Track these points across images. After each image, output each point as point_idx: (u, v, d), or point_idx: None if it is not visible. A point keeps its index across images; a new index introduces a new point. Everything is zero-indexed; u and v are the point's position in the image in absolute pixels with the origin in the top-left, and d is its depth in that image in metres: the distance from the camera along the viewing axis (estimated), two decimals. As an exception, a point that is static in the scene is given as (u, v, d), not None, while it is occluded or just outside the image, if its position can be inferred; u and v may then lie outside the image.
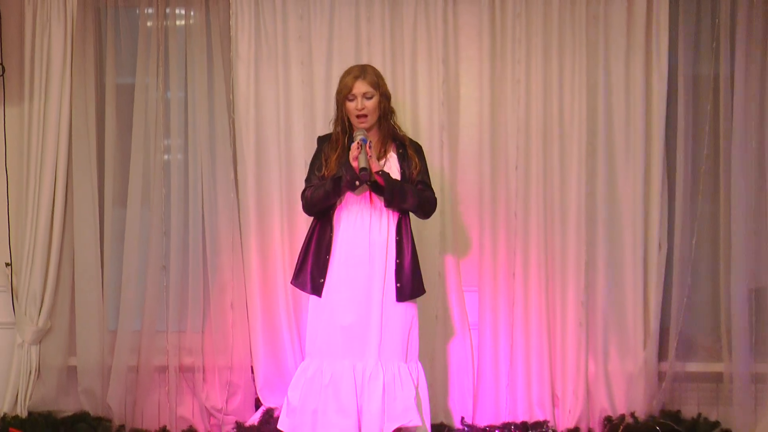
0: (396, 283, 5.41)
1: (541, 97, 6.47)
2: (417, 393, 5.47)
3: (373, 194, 5.45)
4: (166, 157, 6.58)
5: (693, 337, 6.54)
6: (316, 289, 5.46)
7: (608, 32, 6.46)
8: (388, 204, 5.35)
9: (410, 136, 6.21)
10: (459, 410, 6.47)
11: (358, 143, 5.31)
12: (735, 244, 6.37)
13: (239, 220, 6.52)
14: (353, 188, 5.36)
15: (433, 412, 6.29)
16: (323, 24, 6.50)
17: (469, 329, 6.49)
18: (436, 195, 6.10)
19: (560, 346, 6.51)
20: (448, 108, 6.47)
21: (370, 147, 5.35)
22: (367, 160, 5.29)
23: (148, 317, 6.51)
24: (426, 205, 5.51)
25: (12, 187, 6.55)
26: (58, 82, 6.44)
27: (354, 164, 5.28)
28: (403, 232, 5.48)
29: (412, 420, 5.36)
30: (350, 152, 5.35)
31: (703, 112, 6.47)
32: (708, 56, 6.46)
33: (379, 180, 5.29)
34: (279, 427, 5.59)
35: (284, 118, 6.38)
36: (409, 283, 5.44)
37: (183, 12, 6.57)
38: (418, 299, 6.12)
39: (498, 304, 6.50)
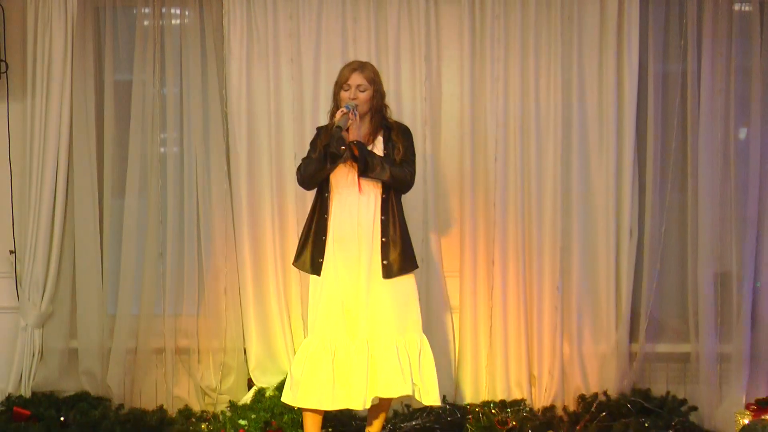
0: (383, 261, 5.42)
1: (518, 94, 6.49)
2: (416, 364, 5.46)
3: (361, 178, 5.43)
4: (162, 149, 6.60)
5: (662, 320, 6.59)
6: (316, 269, 5.47)
7: (582, 32, 6.48)
8: (362, 173, 5.34)
9: None
10: (441, 390, 6.17)
11: (342, 109, 5.34)
12: (702, 232, 6.42)
13: (232, 210, 6.56)
14: (338, 150, 5.31)
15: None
16: (311, 23, 6.52)
17: (451, 313, 6.56)
18: (420, 185, 6.18)
19: (537, 328, 6.53)
20: (430, 103, 6.51)
21: (354, 114, 5.35)
22: (346, 122, 5.30)
23: (145, 302, 6.55)
24: (400, 178, 5.47)
25: (15, 178, 6.58)
26: (59, 79, 6.47)
27: (333, 129, 5.30)
28: (389, 211, 5.48)
29: (398, 390, 5.39)
30: (335, 116, 5.41)
31: (671, 107, 6.50)
32: (676, 54, 6.49)
33: (354, 150, 5.30)
34: (283, 400, 5.60)
35: (274, 112, 6.43)
36: (396, 261, 5.44)
37: (178, 11, 6.59)
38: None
39: (478, 289, 6.52)
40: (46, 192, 6.49)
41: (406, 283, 5.50)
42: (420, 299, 6.29)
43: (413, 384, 5.42)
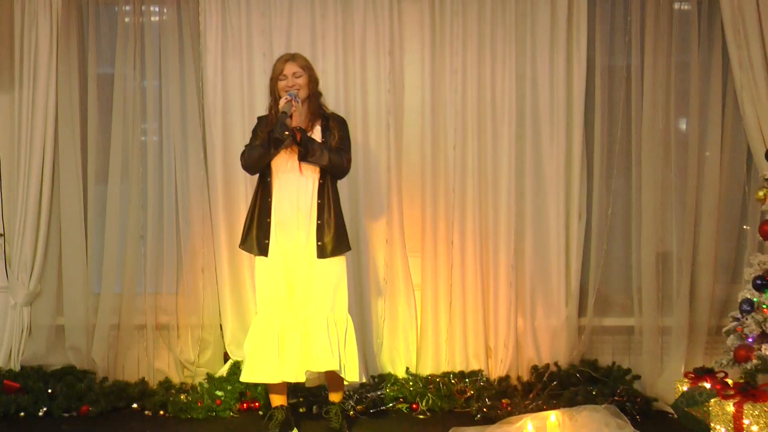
0: (317, 242, 5.47)
1: (475, 86, 6.54)
2: (343, 341, 5.54)
3: (301, 164, 5.46)
4: (142, 138, 6.62)
5: (608, 296, 6.70)
6: (263, 250, 5.52)
7: (534, 28, 6.52)
8: (302, 157, 5.40)
9: (360, 120, 6.44)
10: (404, 361, 6.58)
11: (286, 97, 5.40)
12: (644, 215, 6.50)
13: (208, 195, 6.60)
14: (282, 136, 5.32)
15: (381, 363, 6.55)
16: (282, 20, 6.55)
17: (413, 290, 6.60)
18: (384, 172, 6.32)
19: (493, 304, 6.60)
20: (393, 95, 6.55)
21: (296, 101, 5.41)
22: (290, 108, 5.36)
23: (127, 281, 6.59)
24: (338, 163, 5.52)
25: (4, 165, 6.62)
26: (45, 72, 6.50)
27: (279, 115, 5.36)
28: (325, 196, 5.52)
29: (327, 365, 5.44)
30: (279, 104, 5.43)
31: (617, 99, 6.57)
32: (621, 49, 6.54)
33: (297, 135, 5.35)
34: (241, 380, 5.73)
35: (248, 104, 6.47)
36: (330, 242, 5.49)
37: (157, 9, 6.60)
38: (368, 264, 6.36)
39: (438, 268, 6.58)
40: (33, 178, 6.51)
41: (338, 264, 5.58)
42: (384, 278, 6.49)
43: (340, 360, 5.49)
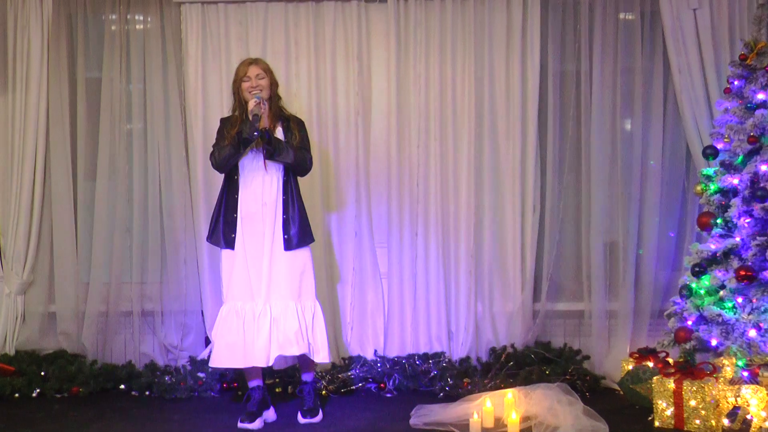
0: (284, 235, 5.50)
1: (437, 88, 6.56)
2: (311, 326, 5.56)
3: (267, 162, 5.48)
4: (128, 138, 6.61)
5: (560, 282, 6.74)
6: (229, 243, 5.53)
7: (492, 35, 6.54)
8: (270, 156, 5.43)
9: (330, 120, 6.46)
10: (372, 344, 6.62)
11: (255, 101, 5.41)
12: (593, 207, 6.54)
13: (190, 190, 6.60)
14: (251, 136, 5.36)
15: (351, 346, 6.56)
16: (258, 28, 6.56)
17: (381, 279, 6.65)
18: (353, 168, 6.37)
19: (454, 291, 6.64)
20: (362, 97, 6.58)
21: (264, 104, 5.45)
22: (260, 110, 5.39)
23: (115, 271, 6.59)
24: (301, 161, 5.54)
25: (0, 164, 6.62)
26: (36, 76, 6.51)
27: (250, 116, 5.36)
28: (289, 192, 5.54)
29: (296, 349, 5.48)
30: (248, 106, 5.42)
31: (567, 101, 6.61)
32: (572, 56, 6.57)
33: (265, 135, 5.39)
34: (210, 365, 5.72)
35: (226, 106, 6.20)
36: (296, 235, 5.52)
37: (141, 18, 6.59)
38: (338, 254, 6.41)
39: (403, 258, 6.61)
40: (26, 175, 6.52)
41: (304, 254, 5.60)
42: (354, 267, 6.46)
43: (308, 344, 5.53)
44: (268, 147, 5.45)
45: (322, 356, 5.61)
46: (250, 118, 5.39)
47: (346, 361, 6.50)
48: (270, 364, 5.54)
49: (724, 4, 6.41)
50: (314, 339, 5.60)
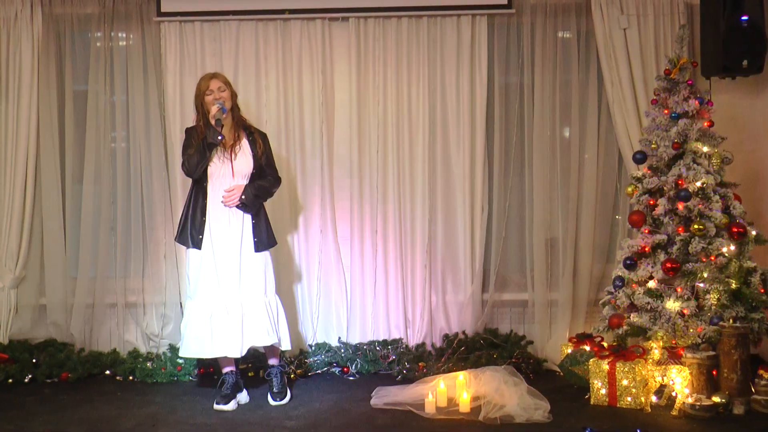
0: (254, 238, 5.52)
1: (394, 99, 6.56)
2: (276, 318, 5.59)
3: (234, 168, 5.49)
4: (112, 145, 6.59)
5: (506, 275, 6.73)
6: (197, 244, 5.50)
7: (443, 51, 6.54)
8: (249, 210, 5.53)
9: (297, 129, 6.46)
10: (336, 332, 6.63)
11: (217, 106, 5.41)
12: (535, 206, 6.56)
13: (169, 192, 6.57)
14: (215, 140, 5.37)
15: (317, 334, 6.55)
16: (231, 44, 6.53)
17: (344, 272, 6.63)
18: (318, 172, 6.36)
19: (410, 282, 6.65)
20: (326, 108, 6.56)
21: (224, 113, 5.43)
22: (222, 115, 5.39)
23: (101, 266, 6.58)
24: (272, 192, 5.68)
25: None
26: (27, 89, 6.47)
27: (212, 121, 5.37)
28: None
29: (268, 340, 5.53)
30: (210, 113, 5.41)
31: (512, 111, 6.60)
32: (515, 69, 6.58)
33: (245, 198, 5.47)
34: (180, 355, 5.73)
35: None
36: (263, 237, 5.56)
37: (124, 35, 6.57)
38: (305, 250, 6.43)
39: (364, 253, 6.63)
40: (18, 179, 6.49)
41: (268, 255, 5.62)
42: (319, 261, 6.46)
43: (277, 334, 5.58)
44: (244, 205, 5.51)
45: (286, 344, 5.71)
46: (212, 123, 5.39)
47: (313, 348, 6.51)
48: (242, 355, 5.55)
49: (650, 24, 6.44)
50: (280, 330, 5.64)
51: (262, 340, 5.54)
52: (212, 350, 5.50)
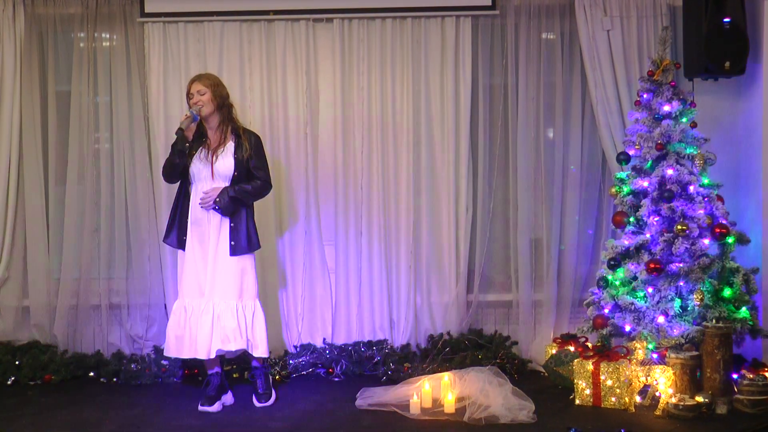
0: (230, 241, 5.50)
1: (379, 100, 6.55)
2: (250, 324, 5.55)
3: (214, 171, 5.50)
4: (96, 146, 6.56)
5: (491, 276, 6.73)
6: (181, 245, 5.57)
7: (428, 52, 6.53)
8: (229, 214, 5.51)
9: (282, 130, 6.42)
10: (321, 333, 6.62)
11: (186, 114, 5.46)
12: (520, 208, 6.56)
13: (153, 193, 6.55)
14: (182, 147, 5.42)
15: (302, 335, 6.54)
16: (215, 45, 6.52)
17: (329, 273, 6.62)
18: (303, 174, 6.32)
19: (395, 284, 6.65)
20: (310, 108, 6.55)
21: (195, 120, 5.46)
22: (187, 124, 5.41)
23: (84, 268, 6.54)
24: (257, 196, 5.63)
25: None
26: (9, 89, 6.45)
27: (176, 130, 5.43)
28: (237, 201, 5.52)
29: (234, 345, 5.50)
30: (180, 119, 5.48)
31: (496, 112, 6.61)
32: (500, 70, 6.59)
33: (219, 201, 5.46)
34: (165, 354, 5.74)
35: None
36: (241, 241, 5.52)
37: (108, 36, 6.53)
38: (290, 252, 6.40)
39: (349, 254, 6.62)
40: (1, 181, 6.45)
41: (247, 259, 5.59)
42: (304, 263, 6.43)
43: (248, 340, 5.54)
44: (219, 208, 5.49)
45: (261, 351, 5.63)
46: (176, 132, 5.46)
47: (298, 349, 6.50)
48: (211, 357, 5.55)
49: (633, 26, 6.46)
50: (253, 335, 5.60)
51: (228, 345, 5.52)
52: (189, 351, 5.54)
